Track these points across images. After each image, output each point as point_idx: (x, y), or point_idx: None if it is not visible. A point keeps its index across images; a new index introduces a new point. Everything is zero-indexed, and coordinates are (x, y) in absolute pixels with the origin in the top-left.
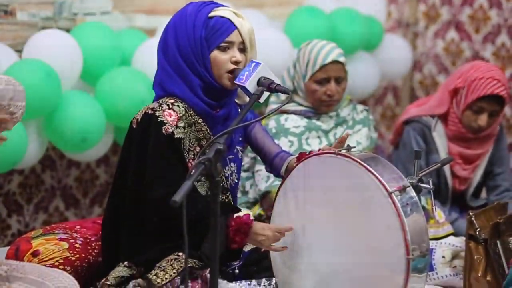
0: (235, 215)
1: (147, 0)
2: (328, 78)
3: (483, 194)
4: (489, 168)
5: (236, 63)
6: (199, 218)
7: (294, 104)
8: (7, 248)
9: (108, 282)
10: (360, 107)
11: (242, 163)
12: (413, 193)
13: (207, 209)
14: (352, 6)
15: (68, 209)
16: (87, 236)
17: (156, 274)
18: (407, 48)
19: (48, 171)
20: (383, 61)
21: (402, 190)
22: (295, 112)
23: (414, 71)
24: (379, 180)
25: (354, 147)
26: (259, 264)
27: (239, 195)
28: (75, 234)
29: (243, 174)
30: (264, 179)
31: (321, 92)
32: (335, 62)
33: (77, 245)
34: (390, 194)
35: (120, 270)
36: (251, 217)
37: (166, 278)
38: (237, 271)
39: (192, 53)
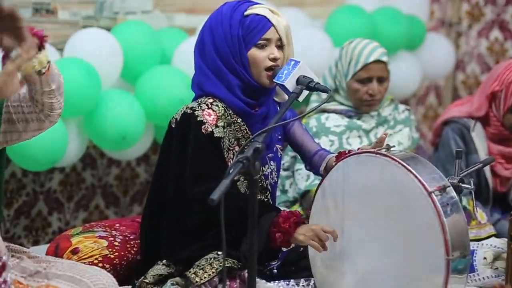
0: (280, 214)
1: None
2: (370, 77)
3: None
4: None
5: (274, 60)
6: (239, 217)
7: (335, 103)
8: (48, 245)
9: (146, 280)
10: (401, 107)
11: (282, 162)
12: (453, 193)
13: (247, 208)
14: (394, 5)
15: (108, 208)
16: (126, 234)
17: (195, 273)
18: (449, 47)
19: (89, 169)
20: (425, 60)
21: (442, 190)
22: (336, 111)
23: (457, 70)
24: (419, 180)
25: (394, 146)
26: (297, 264)
27: (278, 194)
28: (114, 232)
29: (282, 173)
30: (304, 178)
31: (363, 92)
32: (377, 61)
33: (116, 243)
34: (430, 193)
35: (159, 269)
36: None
37: (205, 277)
38: (275, 271)
39: (230, 52)
